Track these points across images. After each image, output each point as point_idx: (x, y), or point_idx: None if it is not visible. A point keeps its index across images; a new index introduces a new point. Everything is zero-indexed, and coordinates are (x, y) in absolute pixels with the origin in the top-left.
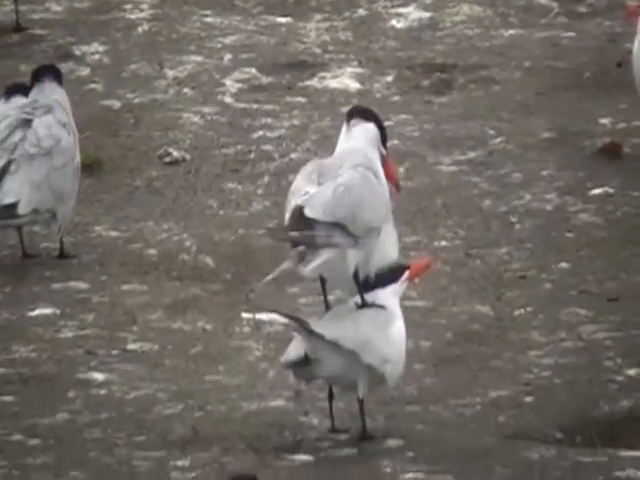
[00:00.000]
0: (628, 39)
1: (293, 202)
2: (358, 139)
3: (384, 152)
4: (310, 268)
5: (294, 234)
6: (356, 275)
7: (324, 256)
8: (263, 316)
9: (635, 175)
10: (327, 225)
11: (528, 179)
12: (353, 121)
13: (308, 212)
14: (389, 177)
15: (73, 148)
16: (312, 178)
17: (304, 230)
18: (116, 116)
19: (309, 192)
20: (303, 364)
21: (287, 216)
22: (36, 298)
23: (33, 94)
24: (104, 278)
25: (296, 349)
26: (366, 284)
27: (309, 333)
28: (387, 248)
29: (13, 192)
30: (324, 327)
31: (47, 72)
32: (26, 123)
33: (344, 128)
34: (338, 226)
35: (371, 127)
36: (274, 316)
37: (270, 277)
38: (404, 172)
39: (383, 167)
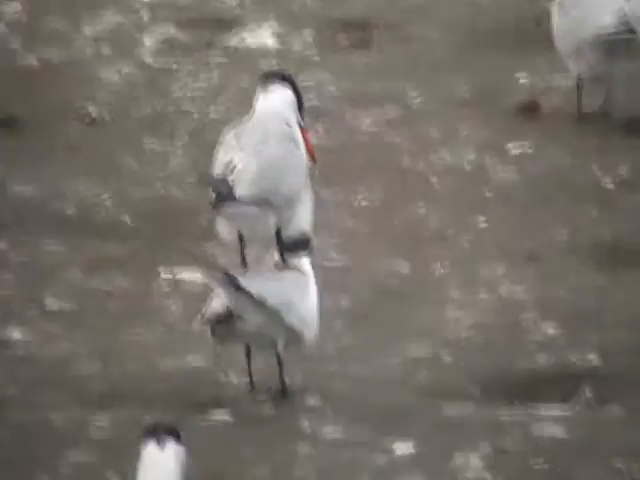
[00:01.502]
0: None
1: (219, 172)
2: (276, 103)
3: (301, 121)
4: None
5: (222, 207)
6: (278, 235)
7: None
8: (183, 274)
9: (553, 133)
10: (252, 199)
11: (447, 137)
12: (271, 86)
13: (238, 191)
14: (307, 148)
15: None
16: (232, 144)
17: (229, 202)
18: (33, 74)
19: (234, 162)
20: (225, 320)
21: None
22: None
23: None
24: (23, 238)
25: (218, 304)
26: (287, 247)
27: (236, 289)
28: (303, 212)
29: None
30: (251, 284)
31: None
32: None
33: (260, 90)
34: (261, 199)
35: (289, 93)
36: (202, 269)
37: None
38: (323, 131)
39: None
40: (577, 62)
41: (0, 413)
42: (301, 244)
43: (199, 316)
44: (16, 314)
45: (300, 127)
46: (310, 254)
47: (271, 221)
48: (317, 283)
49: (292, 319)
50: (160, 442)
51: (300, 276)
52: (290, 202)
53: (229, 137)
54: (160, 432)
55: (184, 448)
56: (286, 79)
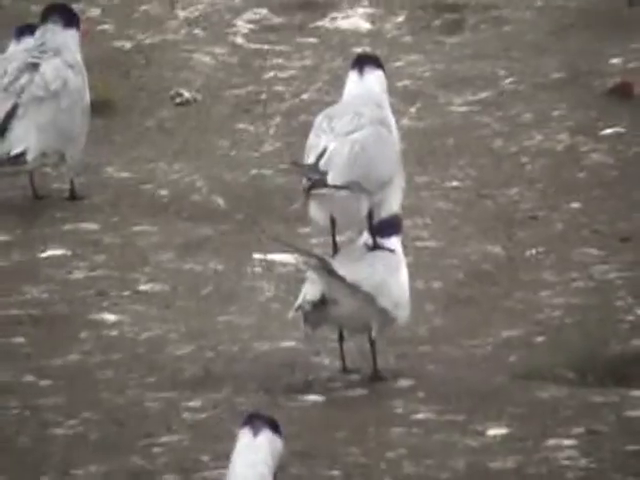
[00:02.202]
0: None
1: (312, 158)
2: (369, 85)
3: None
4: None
5: (314, 193)
6: (370, 217)
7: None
8: (275, 255)
9: None
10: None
11: (539, 119)
12: (364, 68)
13: (330, 177)
14: None
15: (81, 90)
16: (324, 128)
17: (322, 188)
18: (127, 57)
19: (326, 147)
20: (319, 306)
21: (304, 174)
22: (47, 239)
23: (41, 35)
24: (115, 219)
25: (312, 291)
26: (377, 229)
27: (330, 274)
28: (394, 194)
29: (20, 140)
30: (344, 269)
31: (56, 12)
32: (33, 66)
33: (354, 75)
34: (353, 184)
35: (381, 75)
36: (296, 255)
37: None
38: (415, 112)
39: None
40: None
41: (94, 395)
42: (392, 226)
43: (295, 306)
44: (110, 296)
45: None
46: (400, 235)
47: (363, 205)
48: (409, 265)
49: (385, 301)
50: (256, 430)
51: (392, 257)
52: (382, 186)
53: (320, 120)
54: (257, 421)
55: (281, 439)
56: (379, 60)
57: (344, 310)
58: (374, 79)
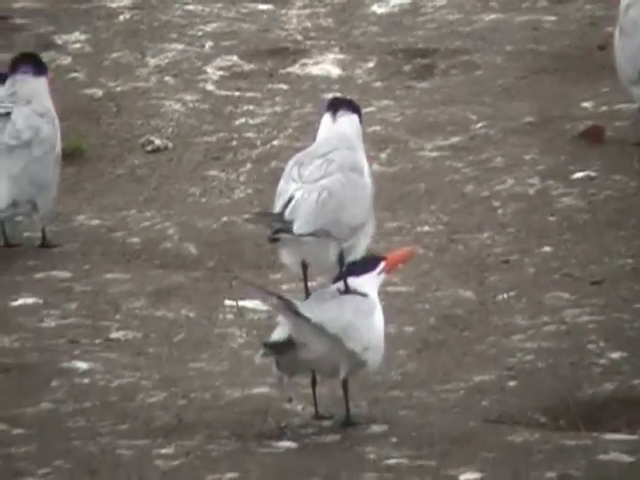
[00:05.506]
0: (609, 22)
1: (279, 206)
2: (343, 129)
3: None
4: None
5: (279, 242)
6: (340, 261)
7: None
8: (246, 302)
9: (617, 158)
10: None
11: (510, 163)
12: (340, 112)
13: (296, 226)
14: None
15: (53, 138)
16: (293, 174)
17: (286, 236)
18: (98, 105)
19: (293, 195)
20: (287, 347)
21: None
22: (19, 288)
23: (11, 85)
24: (87, 267)
25: (279, 332)
26: (348, 272)
27: (295, 315)
28: (363, 240)
29: None
30: (310, 310)
31: (26, 61)
32: (4, 115)
33: (328, 118)
34: (321, 232)
35: (356, 119)
36: (260, 297)
37: None
38: (386, 158)
39: None
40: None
41: (65, 443)
42: (364, 266)
43: (261, 350)
44: (81, 344)
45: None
46: (375, 275)
47: (332, 251)
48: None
49: (354, 344)
50: None
51: (363, 301)
52: (353, 232)
53: (291, 166)
54: None
55: None
56: (354, 105)
57: (312, 352)
58: (347, 122)
